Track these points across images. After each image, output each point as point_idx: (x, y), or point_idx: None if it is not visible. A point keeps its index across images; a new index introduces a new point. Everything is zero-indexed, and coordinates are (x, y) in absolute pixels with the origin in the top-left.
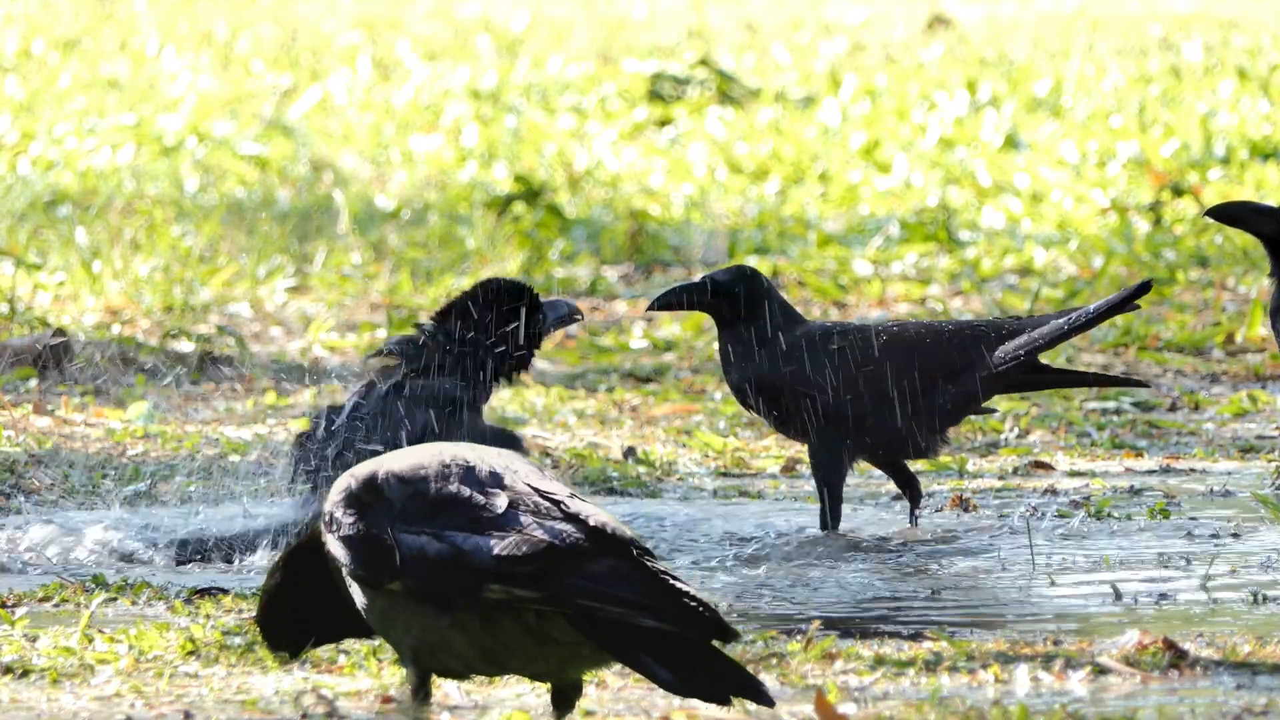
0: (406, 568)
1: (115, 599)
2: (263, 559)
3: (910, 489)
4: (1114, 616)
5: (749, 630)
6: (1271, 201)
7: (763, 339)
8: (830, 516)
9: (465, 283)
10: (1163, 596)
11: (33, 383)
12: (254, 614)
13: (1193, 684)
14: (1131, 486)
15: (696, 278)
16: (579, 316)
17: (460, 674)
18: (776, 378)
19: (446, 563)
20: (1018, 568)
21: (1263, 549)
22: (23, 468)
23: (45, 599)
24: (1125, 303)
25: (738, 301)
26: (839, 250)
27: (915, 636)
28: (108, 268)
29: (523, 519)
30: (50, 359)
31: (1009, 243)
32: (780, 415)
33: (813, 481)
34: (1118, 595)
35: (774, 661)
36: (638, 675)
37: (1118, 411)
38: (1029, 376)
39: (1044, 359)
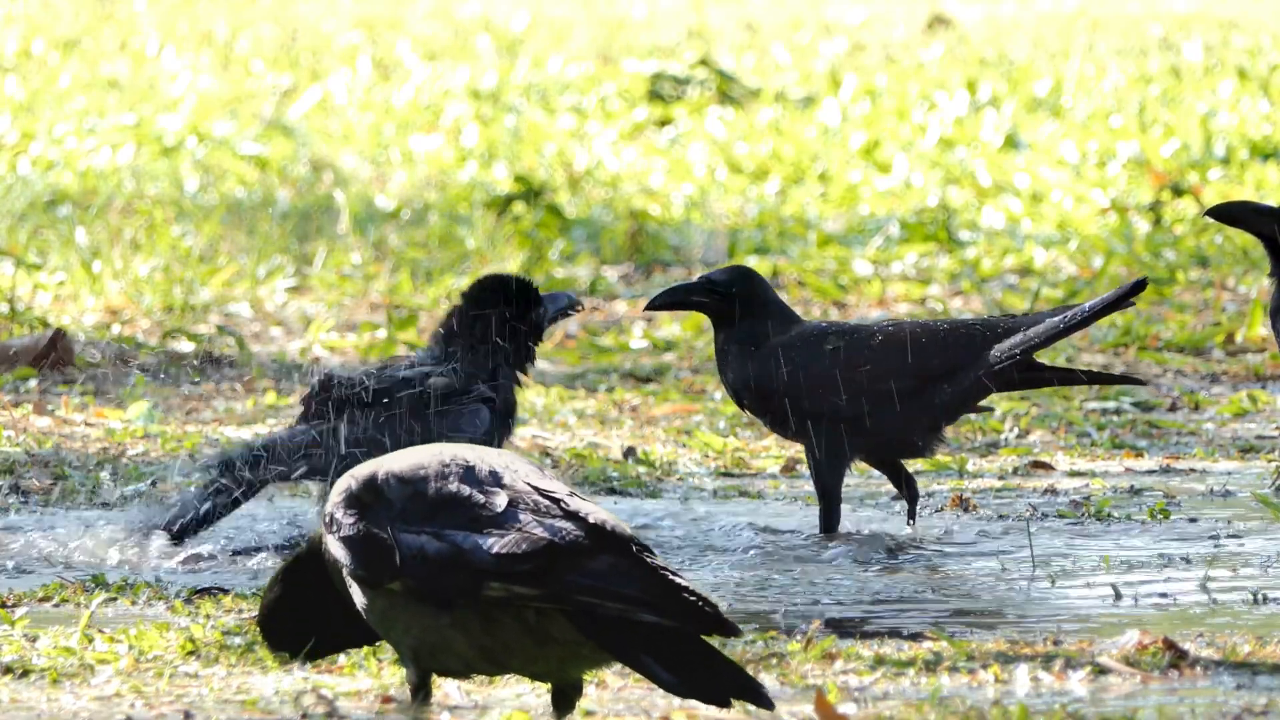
0: (407, 567)
1: (115, 599)
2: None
3: (908, 489)
4: (1114, 616)
5: (749, 630)
6: (1271, 201)
7: (760, 339)
8: (829, 517)
9: (465, 283)
10: (1162, 596)
11: (33, 383)
12: (255, 615)
13: (1193, 684)
14: (1131, 486)
15: (695, 278)
16: (579, 307)
17: (460, 673)
18: (773, 378)
19: (447, 562)
20: (1018, 568)
21: (1263, 549)
22: (22, 468)
23: (45, 599)
24: (1121, 301)
25: (735, 302)
26: (839, 250)
27: (915, 636)
28: (108, 268)
29: (522, 517)
30: (50, 359)
31: (1009, 243)
32: (777, 416)
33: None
34: (1118, 595)
35: (774, 661)
36: (638, 675)
37: (1118, 411)
38: (1026, 375)
39: (1042, 358)
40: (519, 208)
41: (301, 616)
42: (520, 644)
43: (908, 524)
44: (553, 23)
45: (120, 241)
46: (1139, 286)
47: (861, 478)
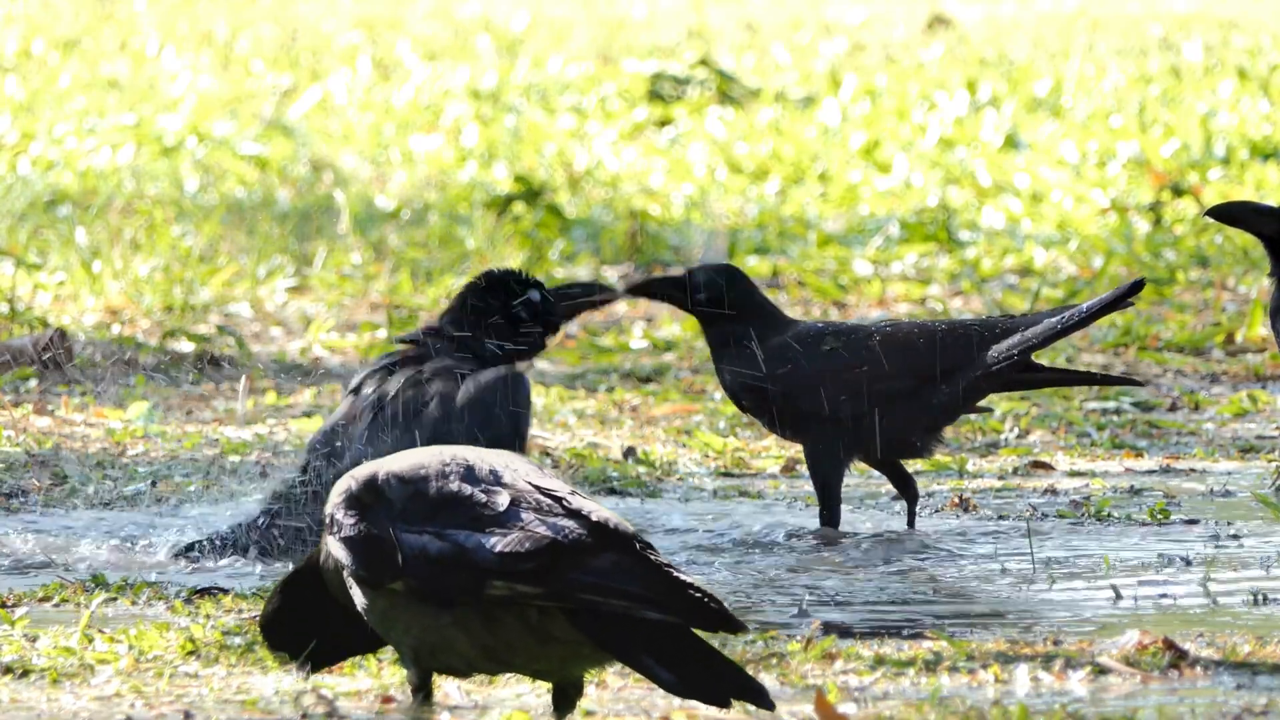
0: (408, 567)
1: (115, 599)
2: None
3: (907, 489)
4: (1114, 616)
5: (750, 630)
6: (1271, 201)
7: (753, 340)
8: (829, 517)
9: (464, 283)
10: (1163, 596)
11: (33, 383)
12: (256, 616)
13: (1193, 684)
14: (1131, 486)
15: (678, 271)
16: (601, 295)
17: (462, 673)
18: (771, 379)
19: (449, 561)
20: (1018, 568)
21: (1263, 549)
22: (22, 468)
23: (45, 599)
24: (1119, 301)
25: (718, 300)
26: (839, 250)
27: (915, 636)
28: (108, 268)
29: (524, 516)
30: (50, 359)
31: (1009, 243)
32: (775, 416)
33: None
34: (1118, 595)
35: (774, 661)
36: (638, 675)
37: (1118, 411)
38: (1024, 375)
39: (1041, 358)
40: (519, 208)
41: (301, 628)
42: (522, 643)
43: (907, 524)
44: (553, 23)
45: (120, 241)
46: (1137, 287)
47: (861, 478)
